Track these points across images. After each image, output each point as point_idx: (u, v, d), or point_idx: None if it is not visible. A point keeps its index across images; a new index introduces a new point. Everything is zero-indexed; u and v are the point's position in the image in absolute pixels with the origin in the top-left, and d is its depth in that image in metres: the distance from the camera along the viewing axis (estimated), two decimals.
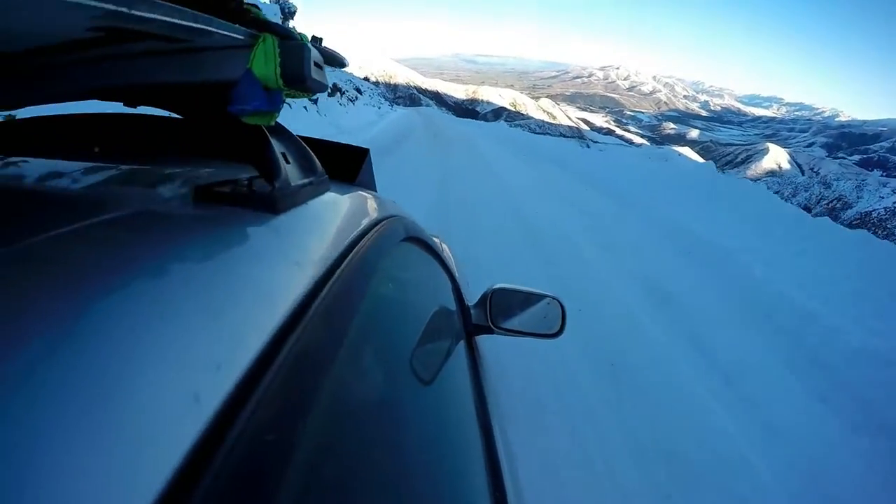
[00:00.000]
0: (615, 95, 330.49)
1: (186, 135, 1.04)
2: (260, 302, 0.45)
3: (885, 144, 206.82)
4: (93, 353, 0.31)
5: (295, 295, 0.48)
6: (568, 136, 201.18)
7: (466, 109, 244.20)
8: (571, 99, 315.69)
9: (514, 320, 1.41)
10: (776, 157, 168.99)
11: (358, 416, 0.50)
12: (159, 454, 0.27)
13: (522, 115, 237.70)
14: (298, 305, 0.47)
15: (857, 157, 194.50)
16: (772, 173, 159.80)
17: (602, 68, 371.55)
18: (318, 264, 0.57)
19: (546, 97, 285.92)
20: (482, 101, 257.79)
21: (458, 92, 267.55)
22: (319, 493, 0.39)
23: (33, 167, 0.74)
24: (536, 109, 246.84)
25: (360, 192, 1.01)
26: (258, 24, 0.65)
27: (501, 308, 1.40)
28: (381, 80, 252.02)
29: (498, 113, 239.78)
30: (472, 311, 1.42)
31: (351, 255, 0.65)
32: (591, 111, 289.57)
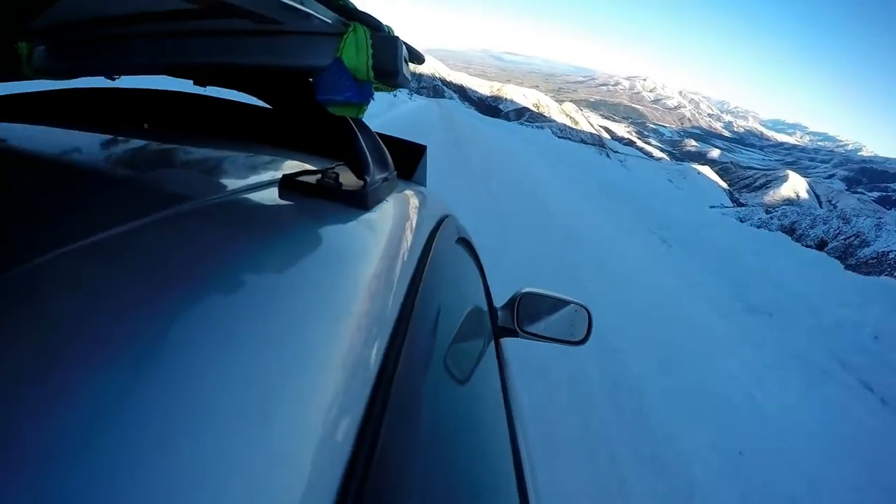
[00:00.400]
0: (639, 107, 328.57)
1: (265, 122, 1.02)
2: (371, 300, 0.45)
3: None
4: (194, 349, 0.31)
5: (395, 293, 0.49)
6: (588, 143, 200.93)
7: (490, 106, 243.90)
8: (595, 106, 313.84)
9: (540, 324, 1.42)
10: (795, 186, 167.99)
11: (426, 413, 0.49)
12: (277, 455, 0.27)
13: (545, 116, 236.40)
14: (401, 304, 0.48)
15: (875, 194, 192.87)
16: (789, 201, 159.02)
17: (629, 78, 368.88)
18: (402, 262, 0.57)
19: (570, 101, 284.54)
20: (506, 98, 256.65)
21: (483, 88, 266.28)
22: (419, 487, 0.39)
23: (108, 143, 0.74)
24: (559, 113, 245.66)
25: (421, 191, 1.01)
26: (346, 12, 0.63)
27: (528, 312, 1.41)
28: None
29: (521, 113, 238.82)
30: (499, 314, 1.42)
31: (428, 254, 0.66)
32: (614, 120, 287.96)
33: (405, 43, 0.66)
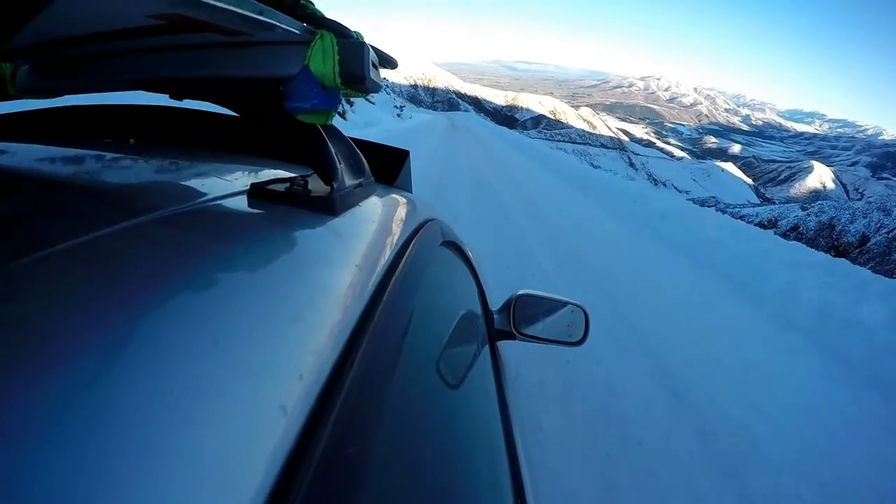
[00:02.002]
0: (655, 106, 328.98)
1: (238, 132, 1.08)
2: (332, 306, 0.45)
3: None
4: (161, 353, 0.31)
5: (360, 299, 0.49)
6: (609, 147, 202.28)
7: (506, 116, 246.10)
8: (611, 109, 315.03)
9: (537, 326, 1.42)
10: (821, 176, 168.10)
11: (409, 417, 0.50)
12: (245, 460, 0.27)
13: (562, 123, 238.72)
14: (365, 310, 0.48)
15: None
16: (816, 192, 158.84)
17: (642, 78, 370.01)
18: (373, 267, 0.57)
19: (586, 106, 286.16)
20: (521, 108, 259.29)
21: (498, 98, 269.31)
22: (387, 491, 0.38)
23: (84, 158, 0.76)
24: (576, 118, 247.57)
25: (402, 195, 1.04)
26: (314, 21, 0.65)
27: (524, 314, 1.41)
28: (419, 82, 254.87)
29: (538, 121, 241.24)
30: (494, 317, 1.42)
31: (403, 258, 0.66)
32: (631, 122, 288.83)
33: (374, 48, 0.67)
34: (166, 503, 0.23)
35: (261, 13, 0.52)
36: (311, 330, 0.41)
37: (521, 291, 1.41)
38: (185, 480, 0.24)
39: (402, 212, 0.87)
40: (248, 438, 0.29)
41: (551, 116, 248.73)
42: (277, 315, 0.40)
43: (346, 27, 0.66)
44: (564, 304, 1.45)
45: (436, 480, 0.52)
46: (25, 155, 0.75)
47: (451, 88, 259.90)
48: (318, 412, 0.34)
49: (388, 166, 1.16)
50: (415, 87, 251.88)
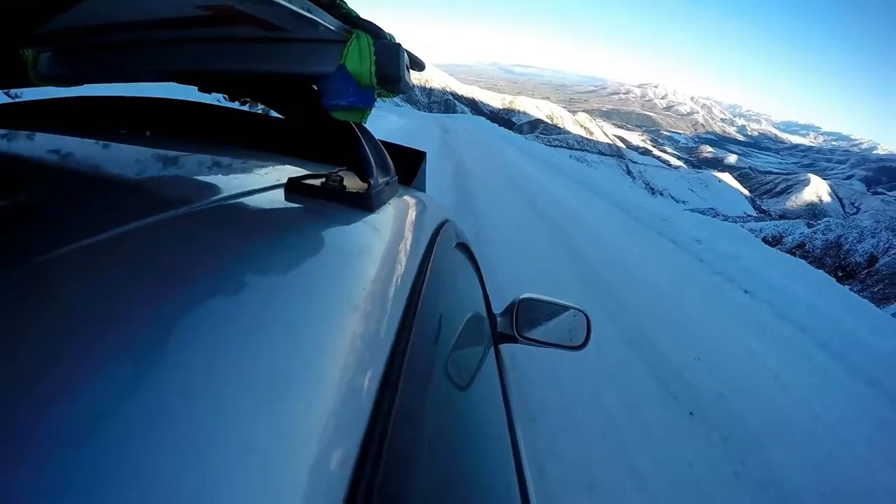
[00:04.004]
0: (652, 114, 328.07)
1: (272, 129, 1.04)
2: (375, 301, 0.45)
3: None
4: (203, 347, 0.31)
5: (399, 295, 0.50)
6: (606, 154, 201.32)
7: (503, 119, 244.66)
8: (608, 115, 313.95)
9: (540, 330, 1.42)
10: (817, 190, 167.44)
11: (430, 417, 0.49)
12: (277, 458, 0.27)
13: (559, 128, 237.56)
14: (406, 305, 0.49)
15: None
16: (812, 206, 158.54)
17: (640, 86, 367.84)
18: (407, 265, 0.58)
19: (583, 111, 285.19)
20: (519, 111, 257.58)
21: (495, 101, 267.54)
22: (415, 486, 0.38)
23: (118, 150, 0.75)
24: (573, 124, 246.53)
25: (421, 195, 1.03)
26: (349, 20, 0.65)
27: (527, 318, 1.42)
28: (416, 82, 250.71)
29: (534, 125, 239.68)
30: (498, 320, 1.43)
31: (431, 257, 0.68)
32: (628, 129, 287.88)
33: (406, 50, 0.68)
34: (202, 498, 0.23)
35: (308, 10, 0.53)
36: (358, 326, 0.40)
37: (523, 295, 1.43)
38: (233, 474, 0.25)
39: (424, 212, 0.88)
40: (311, 439, 0.29)
41: (548, 121, 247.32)
42: (322, 310, 0.40)
43: (380, 28, 0.67)
44: (567, 308, 1.46)
45: (446, 480, 0.52)
46: (55, 145, 0.74)
47: (448, 89, 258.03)
48: (376, 409, 0.34)
49: (405, 167, 1.16)
50: (411, 87, 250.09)
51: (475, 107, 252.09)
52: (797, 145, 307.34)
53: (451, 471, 0.53)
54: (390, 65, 0.63)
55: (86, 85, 0.77)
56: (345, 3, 0.68)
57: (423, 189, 1.26)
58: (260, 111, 1.34)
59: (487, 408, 0.93)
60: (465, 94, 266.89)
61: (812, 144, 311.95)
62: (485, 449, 0.79)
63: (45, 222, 0.42)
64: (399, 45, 0.65)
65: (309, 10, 0.53)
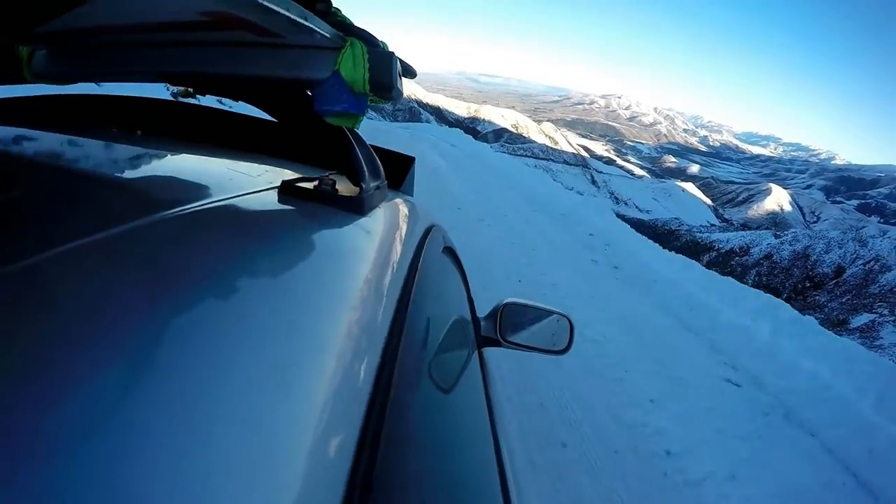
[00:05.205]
0: (616, 124, 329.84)
1: (265, 132, 1.06)
2: (366, 302, 0.46)
3: (884, 191, 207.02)
4: (194, 347, 0.31)
5: (390, 297, 0.51)
6: (571, 164, 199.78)
7: (467, 128, 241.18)
8: (572, 125, 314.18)
9: (523, 334, 1.43)
10: (778, 199, 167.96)
11: (416, 420, 0.48)
12: (268, 455, 0.27)
13: (524, 137, 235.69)
14: (395, 308, 0.50)
15: (855, 202, 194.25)
16: (773, 214, 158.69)
17: (604, 96, 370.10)
18: (396, 268, 0.59)
19: (548, 121, 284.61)
20: (484, 120, 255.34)
21: (460, 109, 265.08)
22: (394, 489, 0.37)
23: (109, 150, 0.75)
24: (539, 133, 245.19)
25: (409, 200, 1.04)
26: (344, 28, 0.66)
27: (510, 322, 1.42)
28: None
29: (499, 134, 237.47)
30: (481, 324, 1.43)
31: (419, 261, 0.68)
32: (592, 139, 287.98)
33: (399, 58, 0.68)
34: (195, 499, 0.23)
35: (305, 18, 0.53)
36: (348, 328, 0.41)
37: (507, 300, 1.44)
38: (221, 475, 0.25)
39: (411, 216, 0.90)
40: (299, 441, 0.29)
41: (513, 130, 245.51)
42: (313, 310, 0.40)
43: (374, 36, 0.68)
44: (550, 312, 1.47)
45: (435, 481, 0.52)
46: (49, 143, 0.74)
47: (413, 97, 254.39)
48: (368, 412, 0.35)
49: (394, 171, 1.18)
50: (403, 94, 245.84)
51: (440, 115, 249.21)
52: (758, 156, 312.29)
53: (436, 472, 0.53)
54: (384, 72, 0.64)
55: (78, 83, 0.76)
56: (340, 11, 0.70)
57: (410, 193, 1.28)
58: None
59: (471, 410, 0.95)
60: (431, 103, 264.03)
61: (773, 155, 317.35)
62: (468, 451, 0.80)
63: (37, 222, 0.42)
64: (392, 53, 0.66)
65: (306, 18, 0.53)
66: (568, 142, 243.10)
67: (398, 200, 0.94)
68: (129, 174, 0.68)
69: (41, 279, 0.33)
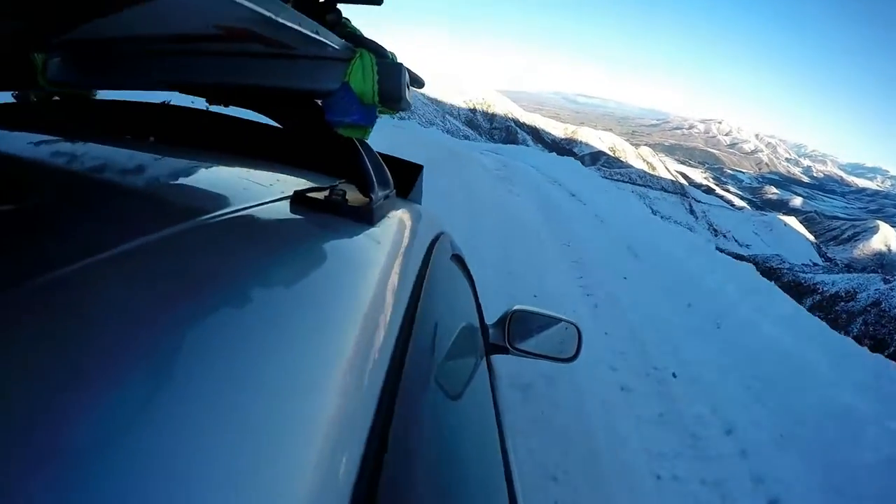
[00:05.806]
0: (715, 151, 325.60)
1: (276, 141, 1.14)
2: (377, 312, 0.47)
3: None
4: (209, 356, 0.32)
5: (398, 307, 0.52)
6: (669, 192, 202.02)
7: (564, 149, 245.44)
8: (670, 150, 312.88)
9: (531, 342, 1.45)
10: (885, 237, 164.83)
11: (425, 425, 0.51)
12: (282, 462, 0.28)
13: (622, 161, 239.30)
14: (403, 317, 0.51)
15: None
16: (880, 255, 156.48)
17: (703, 121, 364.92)
18: (406, 277, 0.61)
19: (645, 145, 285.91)
20: (581, 142, 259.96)
21: (557, 129, 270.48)
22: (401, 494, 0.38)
23: (122, 158, 0.76)
24: (636, 157, 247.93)
25: (417, 208, 1.10)
26: (353, 39, 0.69)
27: (519, 329, 1.44)
28: (478, 107, 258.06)
29: (596, 157, 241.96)
30: (490, 331, 1.45)
31: (428, 269, 0.71)
32: (690, 165, 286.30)
33: (407, 69, 0.70)
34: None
35: (317, 32, 0.55)
36: (358, 337, 0.42)
37: (516, 307, 1.48)
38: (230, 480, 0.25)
39: (420, 224, 0.94)
40: (310, 447, 0.30)
41: (610, 153, 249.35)
42: (324, 320, 0.42)
43: (383, 47, 0.71)
44: (558, 320, 1.50)
45: (443, 487, 0.53)
46: (67, 149, 0.75)
47: (510, 116, 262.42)
48: (376, 418, 0.36)
49: (403, 179, 1.20)
50: (473, 111, 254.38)
51: (537, 135, 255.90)
52: (864, 189, 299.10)
53: (444, 479, 0.54)
54: (392, 83, 0.66)
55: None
56: (350, 21, 0.73)
57: (419, 201, 1.30)
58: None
59: (478, 418, 0.95)
60: (528, 122, 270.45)
61: (880, 188, 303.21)
62: (475, 458, 0.81)
63: (50, 230, 0.42)
64: (401, 64, 0.68)
65: (317, 32, 0.55)
66: (666, 168, 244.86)
67: (407, 208, 0.96)
68: (147, 182, 0.69)
69: (53, 288, 0.34)
